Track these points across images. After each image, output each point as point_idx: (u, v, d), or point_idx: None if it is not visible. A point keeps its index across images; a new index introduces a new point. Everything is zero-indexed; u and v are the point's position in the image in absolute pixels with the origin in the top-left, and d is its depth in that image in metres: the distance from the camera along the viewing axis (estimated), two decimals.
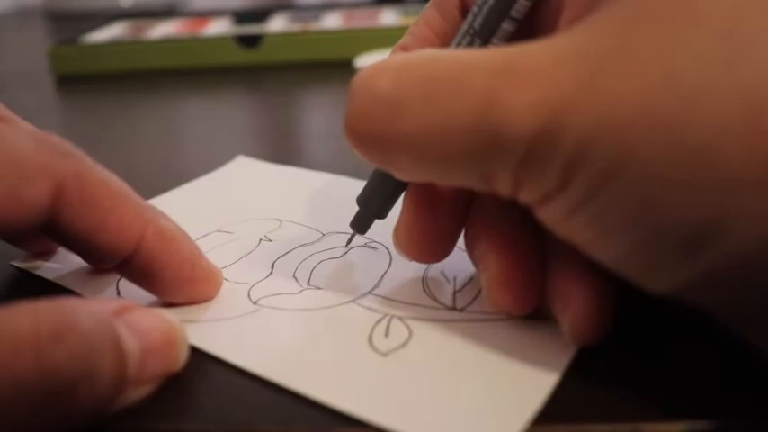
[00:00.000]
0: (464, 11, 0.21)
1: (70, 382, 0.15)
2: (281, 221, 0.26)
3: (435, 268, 0.22)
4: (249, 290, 0.22)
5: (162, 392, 0.18)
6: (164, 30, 0.57)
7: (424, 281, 0.22)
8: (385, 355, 0.18)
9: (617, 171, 0.14)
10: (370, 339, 0.19)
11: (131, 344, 0.17)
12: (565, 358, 0.18)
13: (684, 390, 0.16)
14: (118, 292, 0.22)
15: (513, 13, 0.19)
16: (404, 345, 0.19)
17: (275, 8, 0.65)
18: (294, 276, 0.22)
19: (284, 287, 0.22)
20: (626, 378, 0.17)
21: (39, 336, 0.15)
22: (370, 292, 0.21)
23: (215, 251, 0.24)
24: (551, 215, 0.16)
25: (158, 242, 0.20)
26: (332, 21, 0.56)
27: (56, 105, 0.49)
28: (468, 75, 0.16)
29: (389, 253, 0.23)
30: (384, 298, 0.21)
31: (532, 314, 0.19)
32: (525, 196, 0.16)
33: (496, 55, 0.16)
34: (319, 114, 0.44)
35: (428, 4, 0.22)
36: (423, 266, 0.22)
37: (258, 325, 0.20)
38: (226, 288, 0.22)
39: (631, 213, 0.15)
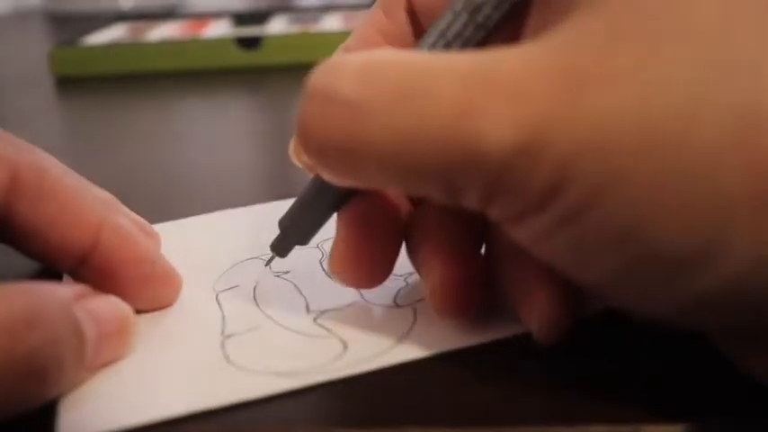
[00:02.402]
0: (411, 12, 0.21)
1: (42, 368, 0.15)
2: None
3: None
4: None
5: None
6: (163, 32, 0.57)
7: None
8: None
9: (602, 193, 0.13)
10: None
11: (89, 330, 0.17)
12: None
13: (684, 390, 0.16)
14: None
15: (489, 22, 0.17)
16: None
17: (275, 10, 0.65)
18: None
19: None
20: (626, 378, 0.17)
21: (13, 321, 0.15)
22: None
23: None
24: (525, 234, 0.15)
25: (116, 237, 0.20)
26: (332, 22, 0.57)
27: (55, 107, 0.49)
28: (441, 79, 0.15)
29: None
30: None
31: None
32: (496, 213, 0.15)
33: (470, 61, 0.15)
34: None
35: (374, 6, 0.21)
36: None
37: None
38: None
39: (617, 237, 0.14)
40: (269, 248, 0.21)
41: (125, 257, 0.20)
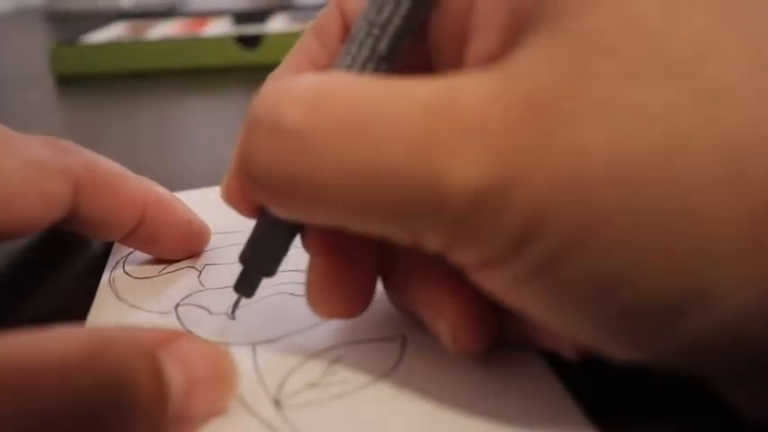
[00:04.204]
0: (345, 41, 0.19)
1: (95, 411, 0.13)
2: None
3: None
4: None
5: None
6: (164, 30, 0.57)
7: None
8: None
9: (581, 239, 0.12)
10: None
11: (175, 375, 0.15)
12: None
13: (684, 390, 0.17)
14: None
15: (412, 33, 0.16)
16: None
17: (275, 8, 0.65)
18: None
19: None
20: (626, 379, 0.17)
21: (66, 361, 0.13)
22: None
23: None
24: (493, 283, 0.14)
25: (159, 206, 0.22)
26: None
27: (56, 105, 0.49)
28: (399, 109, 0.13)
29: None
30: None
31: None
32: (459, 258, 0.14)
33: (429, 89, 0.13)
34: None
35: (305, 33, 0.20)
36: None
37: None
38: None
39: (597, 287, 0.13)
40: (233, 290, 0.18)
41: (167, 221, 0.23)
